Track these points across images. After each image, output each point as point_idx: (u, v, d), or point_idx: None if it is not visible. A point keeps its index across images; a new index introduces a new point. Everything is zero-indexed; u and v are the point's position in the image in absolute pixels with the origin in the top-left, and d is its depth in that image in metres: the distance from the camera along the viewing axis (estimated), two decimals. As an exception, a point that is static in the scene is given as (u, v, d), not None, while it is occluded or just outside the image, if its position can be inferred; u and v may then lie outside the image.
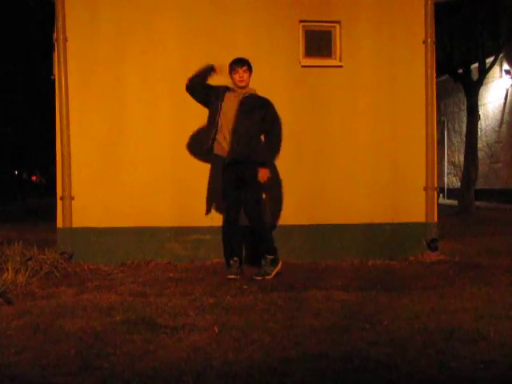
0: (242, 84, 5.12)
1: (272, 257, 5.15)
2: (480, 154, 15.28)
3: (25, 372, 2.75)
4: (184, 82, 6.00)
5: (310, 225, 6.10)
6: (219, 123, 5.07)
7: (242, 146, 5.06)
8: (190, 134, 5.97)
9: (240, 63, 5.14)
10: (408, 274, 5.27)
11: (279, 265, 5.18)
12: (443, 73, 14.36)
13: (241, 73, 5.11)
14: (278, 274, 5.12)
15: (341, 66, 6.22)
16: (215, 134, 5.08)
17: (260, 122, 5.11)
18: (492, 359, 2.85)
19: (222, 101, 5.09)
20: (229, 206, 5.20)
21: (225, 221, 5.28)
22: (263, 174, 5.13)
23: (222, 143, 5.10)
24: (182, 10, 6.06)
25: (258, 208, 5.19)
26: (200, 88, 5.19)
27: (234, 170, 5.11)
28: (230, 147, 5.05)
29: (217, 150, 5.14)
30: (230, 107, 5.07)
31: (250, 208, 5.14)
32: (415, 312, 3.79)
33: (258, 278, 5.01)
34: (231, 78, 5.16)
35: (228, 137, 5.06)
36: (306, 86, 6.17)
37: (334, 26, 6.23)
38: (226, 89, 5.16)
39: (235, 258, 5.21)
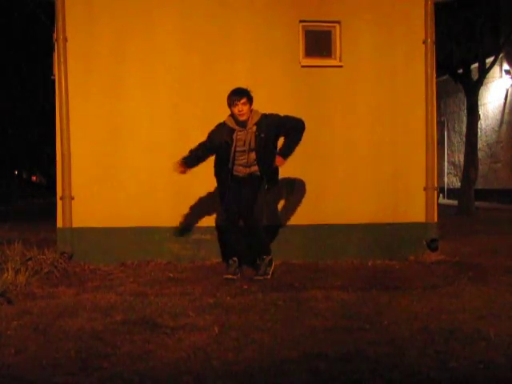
0: (243, 118, 4.96)
1: (269, 257, 5.15)
2: (480, 154, 15.26)
3: (25, 372, 2.75)
4: (184, 80, 6.04)
5: (310, 225, 6.09)
6: (235, 163, 5.04)
7: (267, 167, 5.11)
8: (191, 133, 5.96)
9: (238, 96, 4.94)
10: (408, 274, 5.27)
11: (273, 265, 5.19)
12: (443, 73, 14.35)
13: (240, 106, 4.93)
14: (272, 273, 5.14)
15: (341, 66, 6.22)
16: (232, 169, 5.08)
17: (276, 134, 5.09)
18: (492, 359, 2.85)
19: (235, 144, 4.99)
20: (228, 204, 5.14)
21: (224, 219, 5.26)
22: (280, 163, 5.11)
23: (242, 169, 5.09)
24: (181, 10, 6.06)
25: (252, 207, 5.08)
26: (202, 157, 5.16)
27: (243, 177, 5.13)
28: (266, 179, 5.10)
29: (234, 172, 5.11)
30: (245, 145, 5.01)
31: (244, 206, 5.05)
32: (415, 312, 3.79)
33: (259, 277, 5.01)
34: (230, 110, 5.01)
35: (250, 164, 5.06)
36: (306, 86, 6.17)
37: (334, 26, 6.23)
38: (231, 130, 5.02)
39: (234, 258, 5.20)
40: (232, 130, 5.02)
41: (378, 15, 6.26)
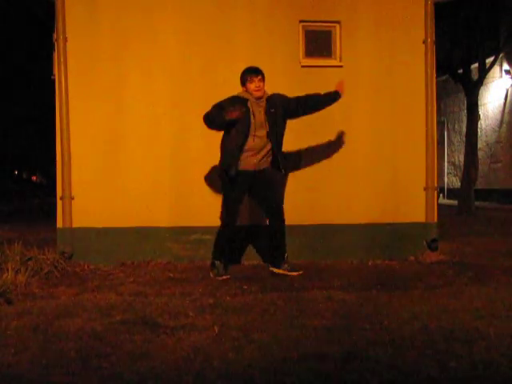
0: (259, 94, 5.01)
1: (285, 255, 5.27)
2: (480, 154, 15.27)
3: (25, 372, 2.75)
4: (184, 80, 6.04)
5: (309, 225, 6.09)
6: (249, 139, 4.99)
7: (280, 153, 5.14)
8: (191, 133, 5.97)
9: (255, 73, 5.03)
10: (408, 274, 5.27)
11: None
12: (443, 73, 14.36)
13: (257, 82, 5.00)
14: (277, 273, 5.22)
15: (341, 66, 6.22)
16: (243, 152, 5.01)
17: (284, 112, 5.12)
18: (492, 359, 2.85)
19: (253, 117, 4.98)
20: (234, 209, 5.16)
21: (227, 223, 5.21)
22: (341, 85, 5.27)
23: (251, 159, 5.05)
24: (181, 10, 6.07)
25: (283, 208, 5.23)
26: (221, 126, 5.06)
27: (253, 174, 5.10)
28: (279, 159, 5.09)
29: (243, 165, 5.03)
30: (260, 121, 5.01)
31: (278, 208, 5.18)
32: (415, 312, 3.79)
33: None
34: (246, 87, 5.04)
35: (264, 149, 5.06)
36: (305, 86, 6.14)
37: (334, 26, 6.23)
38: (245, 100, 5.00)
39: (221, 260, 5.22)
40: (245, 100, 5.02)
41: (377, 15, 6.27)
